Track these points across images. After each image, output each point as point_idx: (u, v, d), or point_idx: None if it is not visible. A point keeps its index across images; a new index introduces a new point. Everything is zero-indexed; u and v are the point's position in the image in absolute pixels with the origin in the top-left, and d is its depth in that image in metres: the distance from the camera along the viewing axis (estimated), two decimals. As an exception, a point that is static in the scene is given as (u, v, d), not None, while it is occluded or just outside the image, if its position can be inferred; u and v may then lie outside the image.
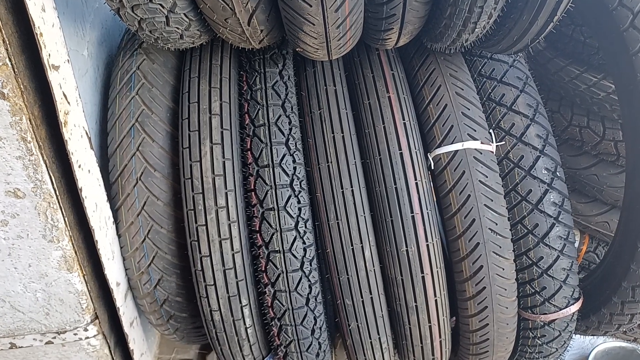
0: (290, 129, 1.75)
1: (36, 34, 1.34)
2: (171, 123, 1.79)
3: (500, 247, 1.68)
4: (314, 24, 1.41)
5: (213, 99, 1.73)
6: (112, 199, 1.75)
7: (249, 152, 1.74)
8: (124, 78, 1.80)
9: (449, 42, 1.57)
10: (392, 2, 1.39)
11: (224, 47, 1.82)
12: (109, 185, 1.76)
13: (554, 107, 2.26)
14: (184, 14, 1.44)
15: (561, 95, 2.25)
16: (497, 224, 1.67)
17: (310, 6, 1.34)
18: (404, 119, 1.74)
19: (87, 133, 1.59)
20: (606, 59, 1.78)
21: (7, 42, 1.31)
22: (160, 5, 1.37)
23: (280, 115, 1.75)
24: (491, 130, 1.77)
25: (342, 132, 1.75)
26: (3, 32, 1.29)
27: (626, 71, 1.60)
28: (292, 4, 1.35)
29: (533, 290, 1.77)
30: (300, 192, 1.71)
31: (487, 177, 1.68)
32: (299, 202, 1.70)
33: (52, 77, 1.41)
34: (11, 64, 1.34)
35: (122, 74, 1.81)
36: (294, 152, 1.73)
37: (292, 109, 1.78)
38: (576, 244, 2.53)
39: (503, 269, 1.70)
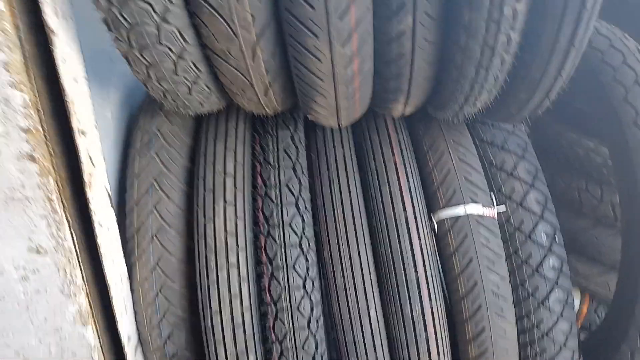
0: (300, 190, 1.83)
1: (67, 102, 1.45)
2: (187, 182, 1.88)
3: (502, 310, 1.73)
4: (325, 97, 1.51)
5: (228, 160, 1.82)
6: (127, 254, 1.82)
7: (260, 211, 1.81)
8: (144, 138, 1.90)
9: (453, 114, 1.66)
10: (400, 78, 1.50)
11: (239, 111, 1.93)
12: (124, 241, 1.83)
13: (553, 171, 2.35)
14: (205, 85, 1.55)
15: (560, 159, 2.34)
16: (499, 287, 1.72)
17: (323, 81, 1.45)
18: (408, 183, 1.82)
19: (108, 193, 1.68)
20: (601, 128, 1.87)
21: (41, 111, 1.41)
22: (185, 78, 1.48)
23: (291, 177, 1.83)
24: (492, 195, 1.84)
25: (350, 194, 1.83)
26: (38, 101, 1.39)
27: (622, 143, 1.68)
28: (306, 79, 1.46)
29: (534, 352, 1.80)
30: (308, 251, 1.78)
31: (489, 240, 1.75)
32: (307, 261, 1.76)
33: (80, 142, 1.51)
34: (42, 130, 1.43)
35: (142, 135, 1.91)
36: (304, 212, 1.80)
37: (302, 171, 1.86)
38: (577, 304, 2.56)
39: (505, 331, 1.74)
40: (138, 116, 1.99)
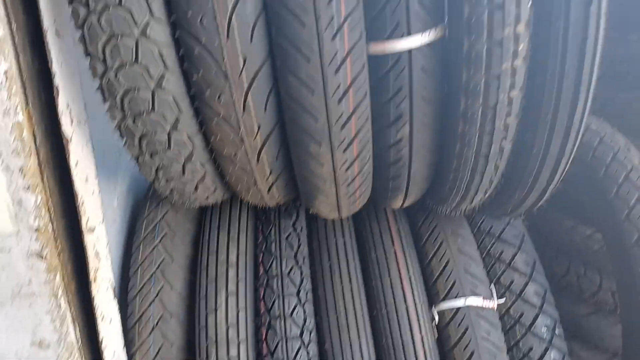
0: (302, 280, 1.85)
1: (77, 202, 1.50)
2: (189, 269, 1.90)
3: (505, 405, 1.71)
4: (327, 196, 1.57)
5: (231, 250, 1.85)
6: (127, 343, 1.82)
7: (261, 301, 1.83)
8: (148, 227, 1.94)
9: (451, 209, 1.71)
10: (398, 178, 1.56)
11: (243, 199, 1.98)
12: (125, 330, 1.83)
13: (552, 255, 2.37)
14: (212, 182, 1.61)
15: (558, 245, 2.37)
16: (501, 381, 1.72)
17: (325, 182, 1.50)
18: (409, 273, 1.85)
19: (112, 286, 1.70)
20: (596, 220, 1.92)
21: (52, 210, 1.45)
22: (192, 177, 1.54)
23: (292, 267, 1.86)
24: (492, 286, 1.86)
25: (351, 284, 1.85)
26: (50, 201, 1.44)
27: (616, 237, 1.72)
28: (308, 180, 1.51)
29: None
30: (309, 343, 1.78)
31: (489, 333, 1.75)
32: (308, 354, 1.76)
33: (88, 239, 1.55)
34: (52, 228, 1.48)
35: (147, 223, 1.95)
36: (305, 303, 1.82)
37: (303, 260, 1.89)
38: (582, 390, 2.52)
39: None
40: (144, 204, 2.04)
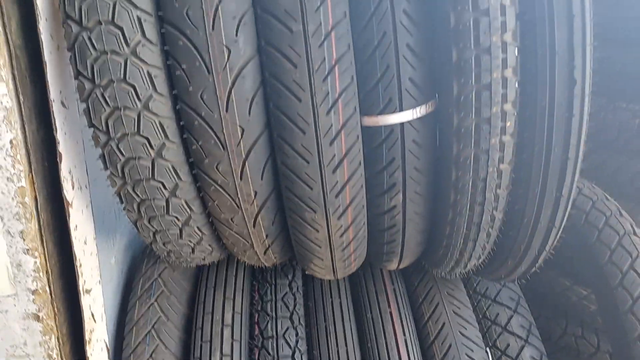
0: (297, 342, 1.84)
1: (76, 264, 1.52)
2: (185, 329, 1.90)
3: None
4: (322, 260, 1.59)
5: (226, 309, 1.86)
6: (120, 405, 1.80)
7: (256, 363, 1.82)
8: (145, 285, 1.95)
9: (445, 273, 1.73)
10: (392, 243, 1.58)
11: (239, 259, 2.00)
12: (118, 391, 1.82)
13: (549, 315, 2.36)
14: (208, 245, 1.63)
15: (555, 305, 2.37)
16: None
17: (320, 247, 1.53)
18: (404, 335, 1.84)
19: (107, 346, 1.70)
20: (590, 283, 1.93)
21: (50, 272, 1.47)
22: (189, 240, 1.56)
23: (288, 328, 1.86)
24: (488, 350, 1.85)
25: (347, 346, 1.84)
26: (48, 264, 1.46)
27: (609, 302, 1.73)
28: (304, 245, 1.54)
29: None
30: (304, 408, 1.76)
31: (486, 400, 1.74)
32: (302, 418, 1.74)
33: (84, 300, 1.56)
34: (49, 291, 1.49)
35: (144, 281, 1.96)
36: (300, 365, 1.81)
37: (299, 320, 1.89)
38: None
39: None
40: (141, 260, 2.05)
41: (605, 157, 2.22)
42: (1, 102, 1.26)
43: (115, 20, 1.19)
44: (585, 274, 1.90)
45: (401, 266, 1.79)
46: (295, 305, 1.92)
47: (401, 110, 1.29)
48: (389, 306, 1.90)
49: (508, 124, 1.22)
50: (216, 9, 1.20)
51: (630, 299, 1.67)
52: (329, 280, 2.00)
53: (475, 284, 2.00)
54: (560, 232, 1.45)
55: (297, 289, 1.97)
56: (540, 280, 2.34)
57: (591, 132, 1.35)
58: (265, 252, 1.64)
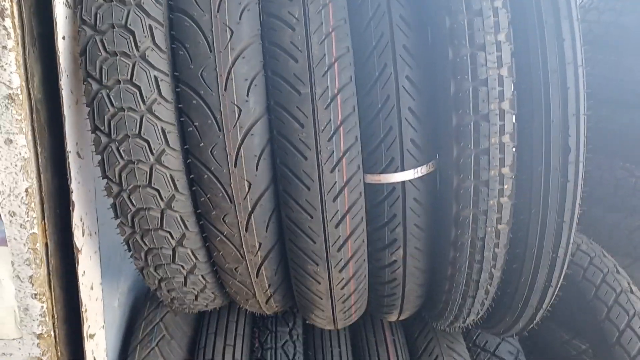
0: (296, 392, 1.85)
1: (81, 310, 1.54)
2: (184, 375, 1.91)
3: None
4: (323, 311, 1.61)
5: (226, 356, 1.87)
6: None
7: (254, 412, 1.82)
8: (146, 328, 1.96)
9: (445, 326, 1.74)
10: (393, 296, 1.60)
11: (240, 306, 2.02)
12: None
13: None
14: (212, 292, 1.66)
15: (554, 357, 2.36)
16: None
17: (321, 299, 1.56)
18: (403, 387, 1.85)
19: (107, 392, 1.71)
20: (588, 338, 1.94)
21: (56, 317, 1.50)
22: (193, 288, 1.59)
23: (287, 377, 1.87)
24: (486, 404, 1.85)
25: (345, 397, 1.84)
26: (54, 309, 1.49)
27: (605, 357, 1.74)
28: (306, 296, 1.57)
29: None
30: None
31: None
32: None
33: (88, 345, 1.58)
34: (54, 335, 1.52)
35: (145, 324, 1.98)
36: (298, 416, 1.81)
37: (298, 369, 1.90)
38: None
39: None
40: (144, 303, 2.07)
41: (602, 213, 2.26)
42: (20, 153, 1.32)
43: (134, 80, 1.26)
44: (584, 329, 1.91)
45: (401, 318, 1.81)
46: (295, 354, 1.93)
47: (403, 169, 1.34)
48: (389, 357, 1.91)
49: (506, 186, 1.27)
50: (229, 72, 1.27)
51: (627, 357, 1.68)
52: (330, 330, 2.01)
53: (474, 337, 2.01)
54: (557, 290, 1.47)
55: (298, 337, 1.99)
56: (539, 333, 2.35)
57: (588, 189, 1.40)
58: (267, 301, 1.66)
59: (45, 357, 1.51)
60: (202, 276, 1.56)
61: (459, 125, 1.25)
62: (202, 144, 1.31)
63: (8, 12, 1.22)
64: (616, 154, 2.22)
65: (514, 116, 1.24)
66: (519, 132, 1.26)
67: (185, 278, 1.55)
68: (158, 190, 1.34)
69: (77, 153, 1.43)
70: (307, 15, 1.28)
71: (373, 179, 1.38)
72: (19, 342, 1.49)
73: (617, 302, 1.75)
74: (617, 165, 2.21)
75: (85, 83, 1.28)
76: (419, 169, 1.34)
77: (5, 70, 1.25)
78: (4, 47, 1.24)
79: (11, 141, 1.32)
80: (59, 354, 1.52)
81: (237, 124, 1.30)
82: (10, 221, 1.38)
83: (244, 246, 1.44)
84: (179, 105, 1.32)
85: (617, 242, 2.21)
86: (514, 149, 1.25)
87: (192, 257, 1.49)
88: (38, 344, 1.49)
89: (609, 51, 2.24)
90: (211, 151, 1.31)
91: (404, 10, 1.31)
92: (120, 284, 2.03)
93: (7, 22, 1.23)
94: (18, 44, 1.26)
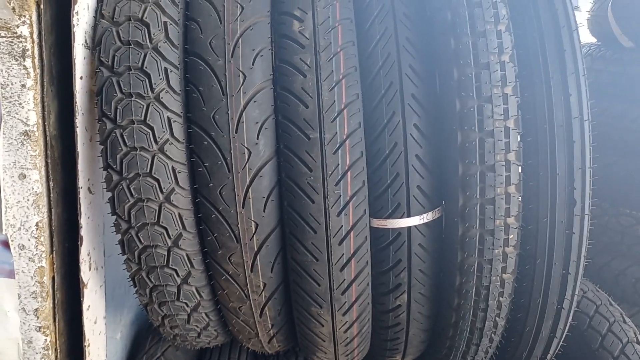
0: None
1: (85, 345, 1.54)
2: (183, 411, 1.89)
3: None
4: (325, 353, 1.60)
5: (226, 394, 1.85)
6: None
7: None
8: (147, 363, 1.95)
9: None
10: (396, 340, 1.60)
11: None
12: None
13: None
14: (214, 330, 1.65)
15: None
16: None
17: (324, 341, 1.55)
18: None
19: None
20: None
21: (59, 350, 1.50)
22: (196, 325, 1.59)
23: (287, 418, 1.84)
24: None
25: None
26: (57, 342, 1.49)
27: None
28: (308, 337, 1.56)
29: None
30: None
31: None
32: None
33: (88, 381, 1.57)
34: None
35: (147, 358, 1.97)
36: None
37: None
38: None
39: None
40: (146, 336, 2.06)
41: (608, 260, 2.25)
42: (32, 188, 1.34)
43: (147, 120, 1.29)
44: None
45: (404, 362, 1.80)
46: (296, 395, 1.91)
47: (409, 215, 1.35)
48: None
49: (511, 236, 1.28)
50: (240, 115, 1.30)
51: (633, 410, 1.65)
52: (331, 370, 1.99)
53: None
54: (561, 341, 1.46)
55: (299, 378, 1.96)
56: None
57: (595, 235, 1.41)
58: (269, 341, 1.66)
59: (46, 389, 1.50)
60: (206, 314, 1.57)
61: (465, 175, 1.27)
62: (211, 185, 1.33)
63: (29, 52, 1.26)
64: (622, 201, 2.22)
65: (520, 167, 1.25)
66: (525, 183, 1.27)
67: (189, 315, 1.55)
68: (166, 228, 1.35)
69: (89, 189, 1.45)
70: (319, 62, 1.31)
71: (379, 223, 1.39)
72: (21, 375, 1.49)
73: (623, 353, 1.73)
74: (623, 212, 2.21)
75: (100, 122, 1.31)
76: (425, 215, 1.35)
77: (23, 107, 1.29)
78: (23, 86, 1.28)
79: (25, 176, 1.35)
80: (60, 389, 1.52)
81: (247, 165, 1.32)
82: (20, 254, 1.39)
83: (248, 286, 1.45)
84: (190, 146, 1.35)
85: (624, 289, 2.19)
86: (520, 200, 1.26)
87: (197, 295, 1.49)
88: (39, 377, 1.49)
89: (615, 100, 2.27)
90: (220, 191, 1.33)
91: (413, 60, 1.34)
92: (123, 317, 2.03)
93: (28, 62, 1.27)
94: (37, 82, 1.29)
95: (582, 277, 1.45)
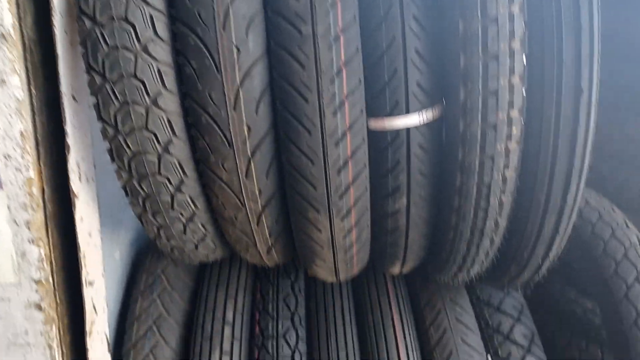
0: (297, 343, 1.85)
1: (79, 256, 1.53)
2: (185, 326, 1.91)
3: None
4: (324, 261, 1.59)
5: (228, 308, 1.86)
6: (119, 399, 1.81)
7: (256, 361, 1.83)
8: (148, 280, 1.96)
9: (448, 278, 1.72)
10: (395, 246, 1.58)
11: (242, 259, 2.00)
12: (118, 382, 1.83)
13: (554, 328, 2.34)
14: (212, 242, 1.64)
15: (560, 315, 2.35)
16: None
17: (322, 248, 1.53)
18: (405, 339, 1.84)
19: (107, 338, 1.71)
20: (595, 296, 1.91)
21: (54, 263, 1.49)
22: (192, 237, 1.57)
23: (288, 328, 1.86)
24: (489, 357, 1.84)
25: (347, 349, 1.84)
26: (52, 254, 1.48)
27: (614, 316, 1.71)
28: (307, 245, 1.54)
29: None
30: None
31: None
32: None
33: (87, 292, 1.57)
34: (52, 281, 1.51)
35: (147, 276, 1.97)
36: (299, 366, 1.81)
37: (300, 322, 1.89)
38: None
39: None
40: (146, 255, 2.07)
41: (612, 169, 2.21)
42: (14, 94, 1.28)
43: (128, 17, 1.20)
44: (591, 287, 1.89)
45: (404, 270, 1.79)
46: (296, 306, 1.92)
47: (407, 113, 1.29)
48: (391, 310, 1.90)
49: (514, 130, 1.22)
50: (227, 9, 1.22)
51: (634, 312, 1.66)
52: (332, 283, 2.00)
53: (478, 292, 1.99)
54: (564, 240, 1.44)
55: (300, 290, 1.98)
56: (545, 292, 2.33)
57: (598, 144, 1.35)
58: (268, 252, 1.64)
59: (44, 303, 1.50)
60: (202, 225, 1.54)
61: (467, 66, 1.20)
62: (199, 86, 1.26)
63: (-5, -58, 1.17)
64: (627, 108, 2.15)
65: (524, 56, 1.18)
66: (529, 73, 1.20)
67: (185, 226, 1.53)
68: (155, 134, 1.30)
69: (72, 96, 1.39)
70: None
71: (377, 123, 1.34)
72: (17, 287, 1.48)
73: (626, 257, 1.72)
74: (628, 119, 2.14)
75: (78, 21, 1.23)
76: (424, 113, 1.29)
77: (-5, 6, 1.21)
78: (-7, -18, 1.19)
79: (4, 82, 1.28)
80: (58, 300, 1.52)
81: (236, 64, 1.24)
82: (6, 164, 1.35)
83: (243, 193, 1.41)
84: (176, 45, 1.27)
85: (627, 197, 2.16)
86: (524, 91, 1.20)
87: (191, 204, 1.46)
88: (36, 289, 1.48)
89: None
90: (209, 93, 1.26)
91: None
92: (121, 236, 2.02)
93: (-5, -46, 1.18)
94: (7, -22, 1.21)
95: (585, 187, 1.41)
